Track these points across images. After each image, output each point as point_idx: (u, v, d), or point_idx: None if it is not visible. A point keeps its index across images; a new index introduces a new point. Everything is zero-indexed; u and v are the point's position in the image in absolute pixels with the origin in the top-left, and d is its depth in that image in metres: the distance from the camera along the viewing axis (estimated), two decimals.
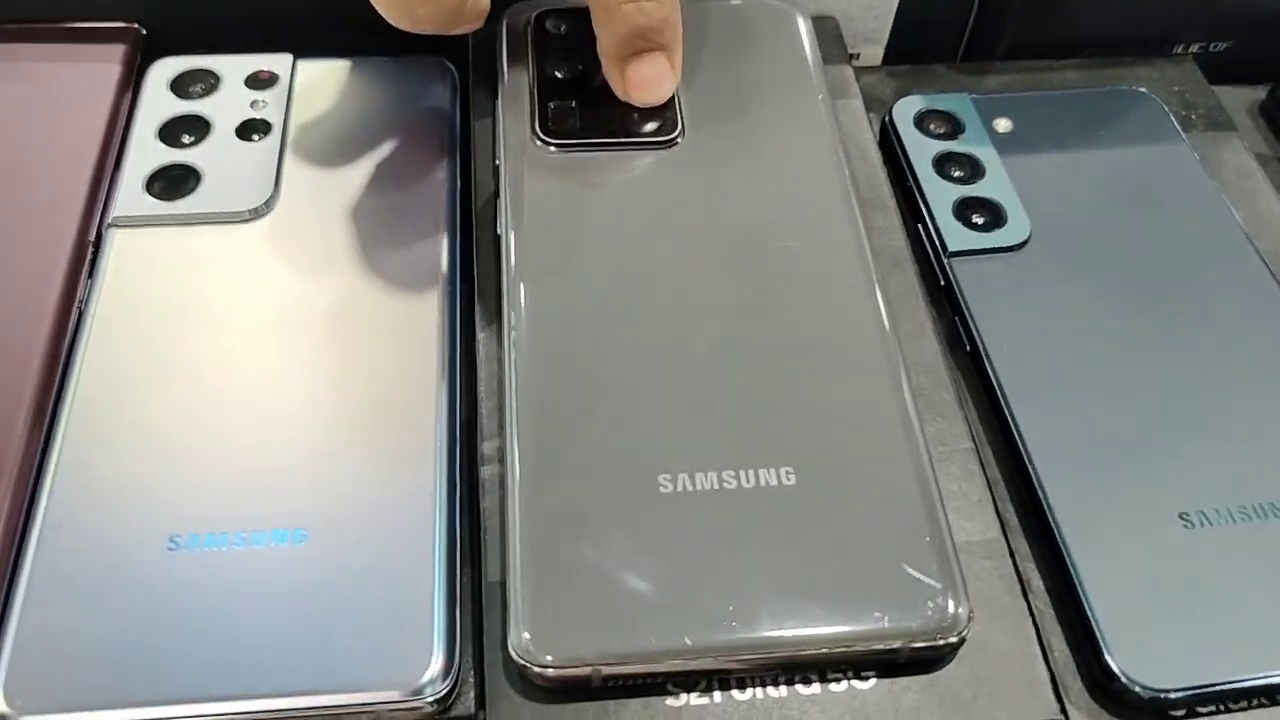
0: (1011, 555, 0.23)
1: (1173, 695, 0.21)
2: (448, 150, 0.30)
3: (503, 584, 0.22)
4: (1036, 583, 0.23)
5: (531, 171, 0.27)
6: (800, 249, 0.26)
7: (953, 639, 0.21)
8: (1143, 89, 0.32)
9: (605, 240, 0.26)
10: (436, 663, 0.21)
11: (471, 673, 0.22)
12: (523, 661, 0.21)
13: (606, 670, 0.21)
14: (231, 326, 0.26)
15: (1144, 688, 0.21)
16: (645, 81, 0.28)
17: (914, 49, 0.34)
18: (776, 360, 0.24)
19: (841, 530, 0.22)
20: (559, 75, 0.29)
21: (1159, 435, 0.24)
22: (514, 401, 0.23)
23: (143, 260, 0.27)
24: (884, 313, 0.25)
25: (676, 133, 0.28)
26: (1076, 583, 0.22)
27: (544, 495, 0.22)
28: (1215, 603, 0.22)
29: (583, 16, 0.30)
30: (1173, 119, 0.31)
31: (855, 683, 0.21)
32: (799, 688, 0.21)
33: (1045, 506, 0.23)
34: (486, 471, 0.24)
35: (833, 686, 0.21)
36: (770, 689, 0.21)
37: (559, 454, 0.23)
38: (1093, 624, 0.22)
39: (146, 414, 0.24)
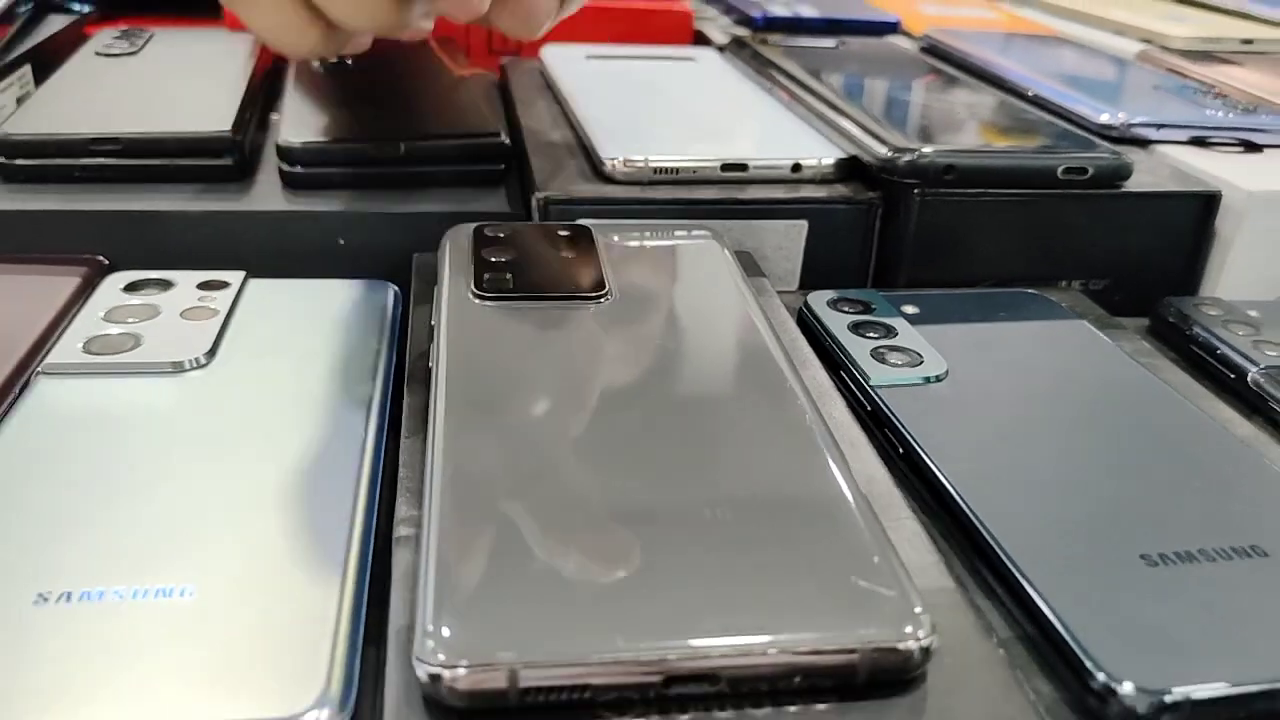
0: (970, 603, 0.21)
1: (1172, 697, 0.19)
2: (385, 340, 0.31)
3: (409, 627, 0.19)
4: (1003, 633, 0.21)
5: (465, 318, 0.28)
6: (736, 390, 0.27)
7: (913, 646, 0.19)
8: (1034, 291, 0.34)
9: (528, 376, 0.27)
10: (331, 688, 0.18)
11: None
12: (431, 671, 0.18)
13: (526, 677, 0.18)
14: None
15: (1142, 691, 0.19)
16: None
17: (824, 281, 0.37)
18: (709, 439, 0.24)
19: (787, 553, 0.20)
20: (494, 259, 0.31)
21: (1097, 495, 0.24)
22: (433, 477, 0.22)
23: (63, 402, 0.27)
24: (821, 426, 0.25)
25: (604, 291, 0.29)
26: (1048, 613, 0.20)
27: (458, 531, 0.21)
28: (1185, 620, 0.20)
29: (516, 225, 0.33)
30: (1066, 309, 0.33)
31: (814, 705, 0.19)
32: (749, 711, 0.19)
33: (1002, 555, 0.22)
34: (401, 536, 0.22)
35: (785, 709, 0.19)
36: (717, 712, 0.18)
37: (473, 504, 0.21)
38: (1072, 647, 0.20)
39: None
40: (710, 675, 0.18)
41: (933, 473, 0.25)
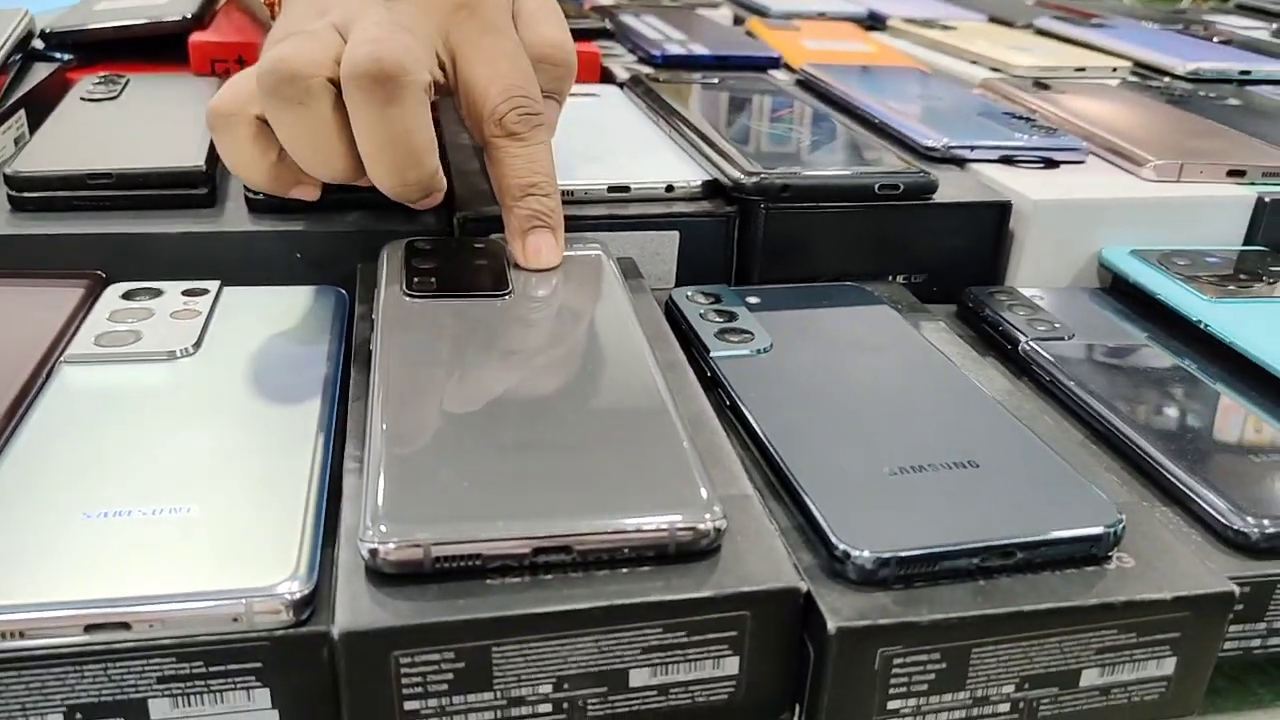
0: (761, 504, 0.30)
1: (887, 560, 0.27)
2: (336, 333, 0.39)
3: (355, 527, 0.28)
4: (783, 522, 0.30)
5: (398, 312, 0.36)
6: (599, 357, 0.35)
7: (707, 526, 0.27)
8: (855, 284, 0.43)
9: (446, 354, 0.35)
10: (299, 570, 0.26)
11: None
12: (370, 547, 0.26)
13: (436, 550, 0.26)
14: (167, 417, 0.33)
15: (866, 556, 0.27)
16: (539, 249, 0.39)
17: (695, 282, 0.45)
18: (572, 393, 0.32)
19: (627, 464, 0.29)
20: (422, 265, 0.39)
21: (866, 430, 0.32)
22: (372, 425, 0.31)
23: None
24: (660, 381, 0.34)
25: (507, 290, 0.38)
26: (812, 508, 0.29)
27: (392, 446, 0.29)
28: (911, 500, 0.29)
29: (442, 239, 0.41)
30: (879, 297, 0.42)
31: (640, 569, 0.27)
32: (595, 572, 0.27)
33: (785, 470, 0.31)
34: (349, 464, 0.30)
35: (621, 570, 0.27)
36: (571, 573, 0.27)
37: (406, 429, 0.30)
38: (824, 529, 0.28)
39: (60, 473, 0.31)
40: (565, 548, 0.27)
41: (745, 417, 0.33)
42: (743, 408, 0.34)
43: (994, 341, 0.43)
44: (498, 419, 0.31)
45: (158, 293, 0.40)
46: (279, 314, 0.40)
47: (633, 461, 0.29)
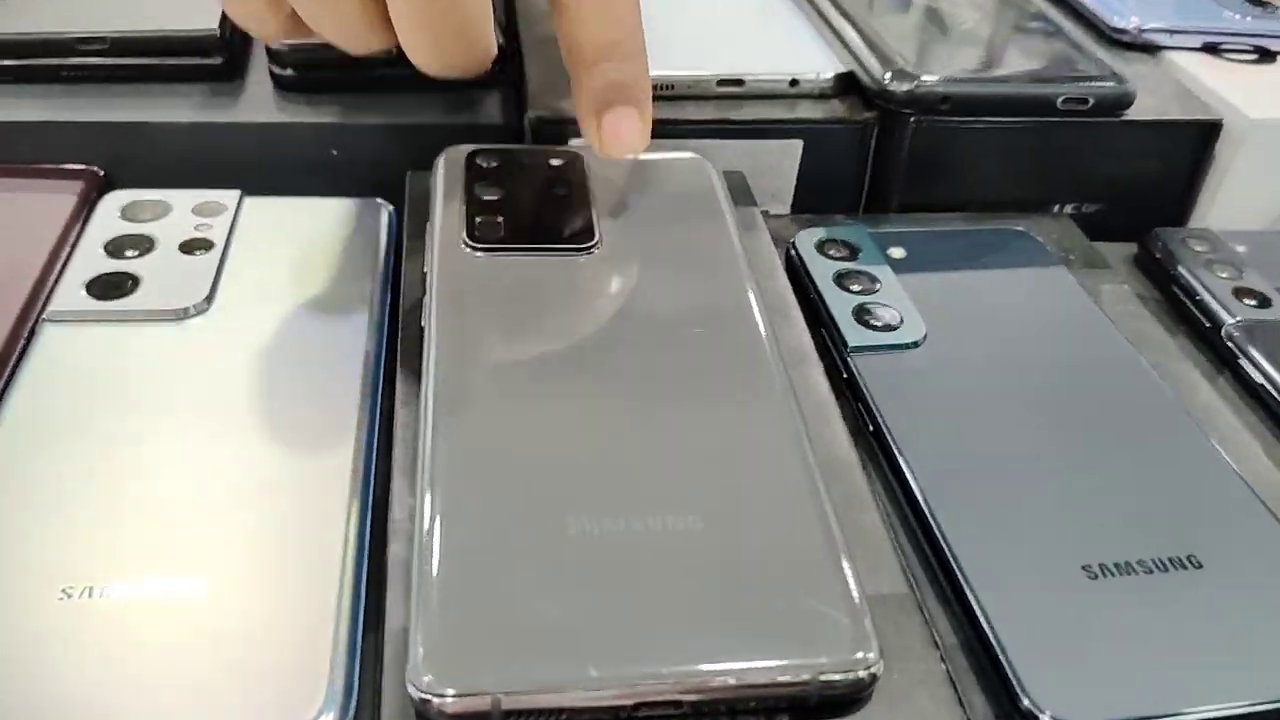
0: (920, 609, 0.24)
1: None
2: (380, 272, 0.31)
3: (405, 630, 0.21)
4: (949, 639, 0.23)
5: (457, 271, 0.29)
6: (708, 339, 0.28)
7: (862, 674, 0.21)
8: (1021, 228, 0.35)
9: (521, 330, 0.28)
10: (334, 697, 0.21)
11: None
12: (421, 695, 0.20)
13: (508, 702, 0.20)
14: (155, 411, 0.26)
15: None
16: (619, 132, 0.29)
17: (815, 207, 0.37)
18: (681, 424, 0.25)
19: (749, 572, 0.22)
20: (487, 197, 0.31)
21: (1055, 498, 0.25)
22: (427, 462, 0.24)
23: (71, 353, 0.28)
24: (787, 391, 0.26)
25: (593, 242, 0.30)
26: (988, 629, 0.22)
27: (451, 538, 0.22)
28: (1120, 645, 0.22)
29: (509, 154, 0.33)
30: (1051, 251, 0.34)
31: None
32: None
33: (951, 561, 0.24)
34: (397, 525, 0.24)
35: None
36: None
37: (468, 504, 0.23)
38: (1005, 667, 0.22)
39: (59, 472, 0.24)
40: (675, 702, 0.21)
41: (897, 460, 0.26)
42: (892, 444, 0.27)
43: (1186, 313, 0.34)
44: (587, 484, 0.24)
45: (164, 209, 0.33)
46: (312, 241, 0.32)
47: (766, 562, 0.22)
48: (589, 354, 0.27)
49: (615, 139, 0.30)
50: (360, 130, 0.35)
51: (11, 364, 0.27)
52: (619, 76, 0.29)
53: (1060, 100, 0.35)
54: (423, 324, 0.28)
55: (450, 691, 0.20)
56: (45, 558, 0.23)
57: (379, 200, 0.34)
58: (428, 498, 0.23)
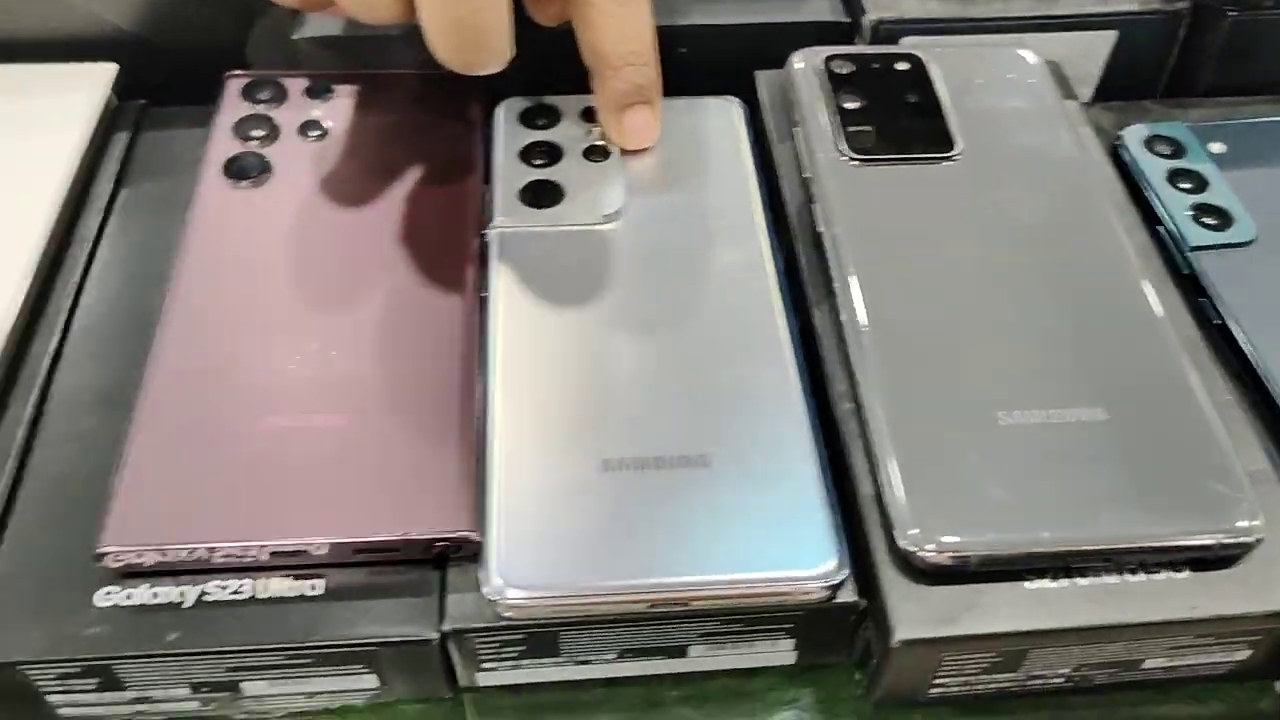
0: None
1: None
2: (752, 170, 0.36)
3: (878, 497, 0.27)
4: None
5: (840, 181, 0.33)
6: (1072, 245, 0.32)
7: (1249, 540, 0.26)
8: None
9: (907, 232, 0.32)
10: (832, 557, 0.27)
11: (848, 566, 0.27)
12: (912, 549, 0.26)
13: (977, 557, 0.26)
14: (608, 310, 0.32)
15: None
16: (637, 127, 0.35)
17: (1120, 88, 0.40)
18: (1071, 318, 0.30)
19: (1166, 455, 0.28)
20: (852, 105, 0.35)
21: None
22: (859, 354, 0.29)
23: (521, 255, 0.33)
24: (1151, 287, 0.31)
25: (956, 150, 0.34)
26: None
27: (905, 422, 0.28)
28: None
29: (861, 59, 0.37)
30: None
31: (1171, 574, 0.27)
32: (1128, 577, 0.27)
33: None
34: (844, 408, 0.29)
35: (1154, 576, 0.27)
36: (1106, 577, 0.27)
37: (907, 393, 0.28)
38: None
39: (553, 366, 0.30)
40: (1106, 554, 0.26)
41: (1244, 351, 0.31)
42: (1241, 339, 0.31)
43: None
44: (1004, 380, 0.29)
45: (555, 116, 0.37)
46: (688, 145, 0.36)
47: (1168, 443, 0.28)
48: (979, 256, 0.32)
49: (634, 133, 0.35)
50: (704, 31, 0.39)
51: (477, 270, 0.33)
52: (637, 80, 0.34)
53: None
54: (818, 229, 0.33)
55: (934, 548, 0.26)
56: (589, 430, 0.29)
57: (733, 98, 0.38)
58: (871, 390, 0.29)
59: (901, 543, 0.26)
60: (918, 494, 0.27)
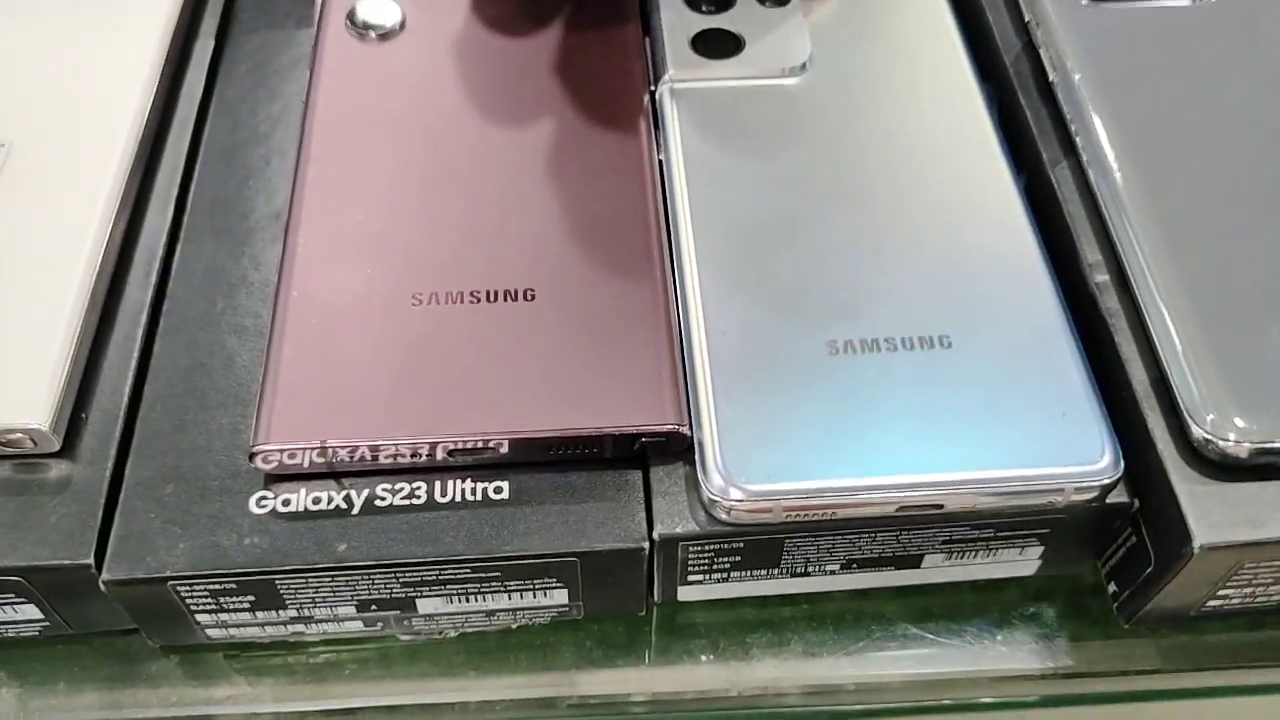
0: None
1: None
2: (949, 13, 0.31)
3: (1160, 381, 0.23)
4: None
5: (1075, 22, 0.29)
6: None
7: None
8: None
9: (1159, 79, 0.27)
10: (1107, 452, 0.23)
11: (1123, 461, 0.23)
12: (1210, 439, 0.22)
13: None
14: (809, 176, 0.27)
15: None
16: None
17: None
18: None
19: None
20: None
21: None
22: (1123, 218, 0.25)
23: (701, 113, 0.29)
24: None
25: None
26: None
27: (1192, 294, 0.24)
28: None
29: None
30: None
31: None
32: None
33: None
34: (1097, 279, 0.25)
35: None
36: None
37: (1191, 262, 0.24)
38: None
39: (754, 238, 0.26)
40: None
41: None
42: None
43: None
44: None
45: None
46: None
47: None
48: (1246, 104, 0.27)
49: None
50: None
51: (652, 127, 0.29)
52: None
53: None
54: (1051, 79, 0.28)
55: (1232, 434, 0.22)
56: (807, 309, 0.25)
57: None
58: (1147, 259, 0.24)
59: (1196, 432, 0.22)
60: (1213, 378, 0.23)
